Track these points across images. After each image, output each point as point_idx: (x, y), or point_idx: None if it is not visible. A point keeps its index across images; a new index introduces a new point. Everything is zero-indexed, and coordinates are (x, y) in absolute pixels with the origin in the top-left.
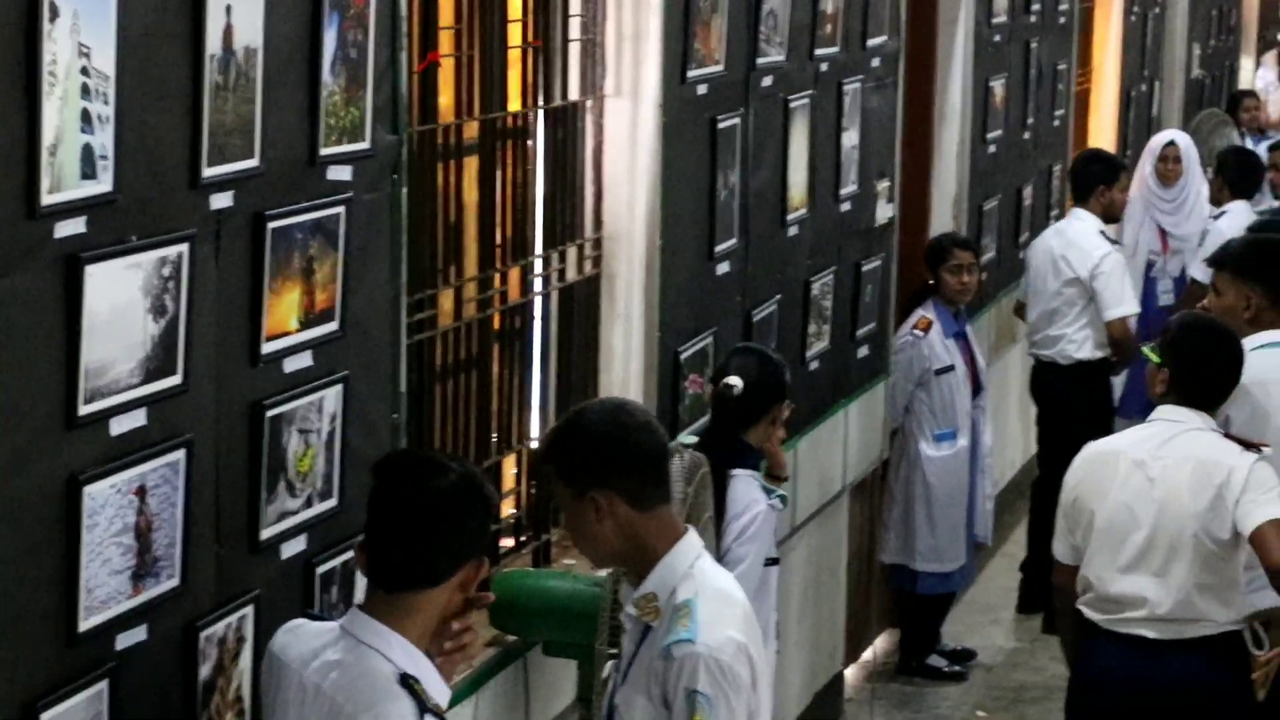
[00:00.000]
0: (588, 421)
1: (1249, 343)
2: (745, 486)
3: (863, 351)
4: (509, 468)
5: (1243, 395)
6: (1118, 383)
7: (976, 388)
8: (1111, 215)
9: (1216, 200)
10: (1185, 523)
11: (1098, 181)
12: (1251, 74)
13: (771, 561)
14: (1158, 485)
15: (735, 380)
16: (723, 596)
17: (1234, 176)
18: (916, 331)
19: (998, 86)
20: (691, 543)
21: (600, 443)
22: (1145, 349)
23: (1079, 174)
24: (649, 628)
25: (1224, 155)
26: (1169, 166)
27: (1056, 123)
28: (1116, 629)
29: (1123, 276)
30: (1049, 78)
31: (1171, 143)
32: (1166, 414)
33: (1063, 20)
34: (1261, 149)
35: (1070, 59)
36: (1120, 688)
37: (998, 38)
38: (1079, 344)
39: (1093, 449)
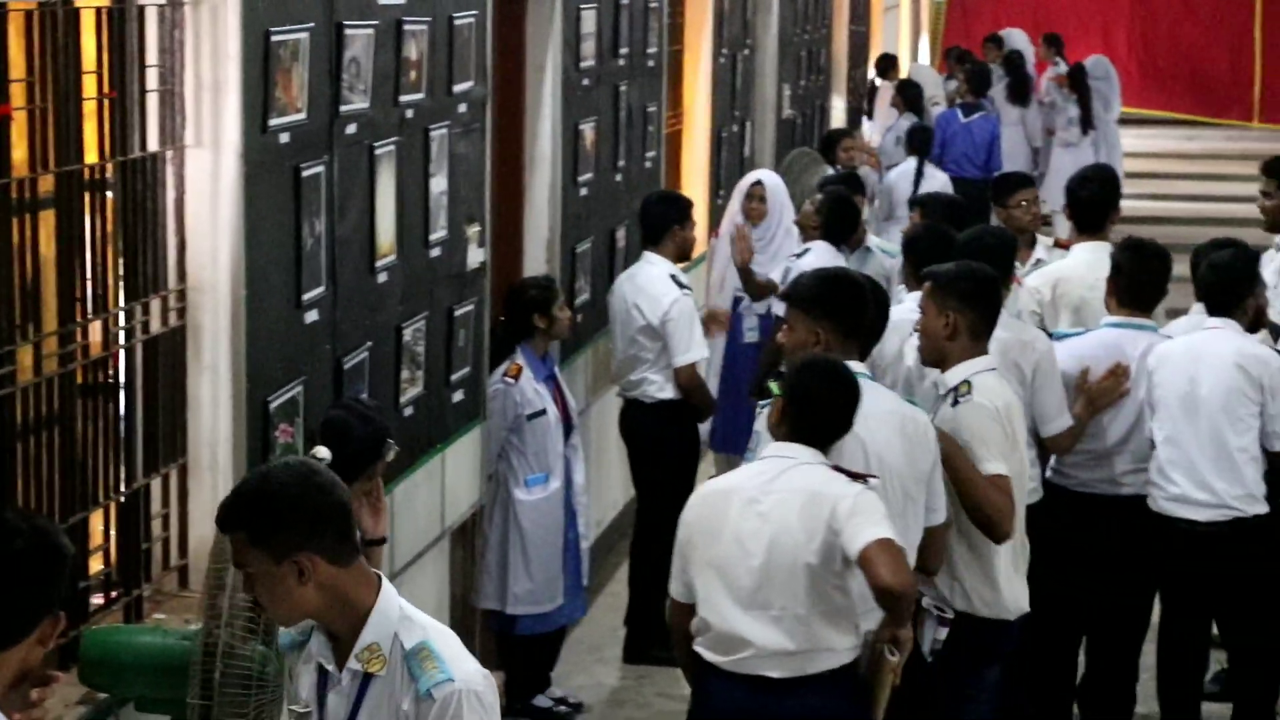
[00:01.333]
0: (280, 485)
1: None
2: None
3: (458, 396)
4: (97, 523)
5: None
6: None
7: (568, 428)
8: (684, 254)
9: (809, 239)
10: (798, 555)
11: (671, 222)
12: (843, 113)
13: None
14: (769, 520)
15: (323, 452)
16: (445, 632)
17: (827, 220)
18: (508, 379)
19: (588, 129)
20: (391, 588)
21: (298, 504)
22: (770, 383)
23: (649, 215)
24: (369, 677)
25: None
26: (754, 205)
27: (649, 164)
28: (737, 669)
29: (690, 323)
30: (639, 120)
31: (759, 182)
32: (779, 450)
33: (651, 64)
34: None
35: (660, 101)
36: None
37: (586, 81)
38: (660, 384)
39: (708, 487)
